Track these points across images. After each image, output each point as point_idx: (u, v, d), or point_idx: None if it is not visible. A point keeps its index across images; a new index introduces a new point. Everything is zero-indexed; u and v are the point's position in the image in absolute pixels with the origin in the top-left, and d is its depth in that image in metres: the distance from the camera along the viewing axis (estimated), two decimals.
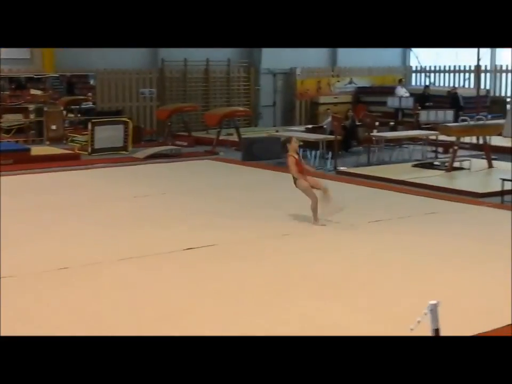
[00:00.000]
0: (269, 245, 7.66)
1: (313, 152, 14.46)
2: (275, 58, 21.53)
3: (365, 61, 23.30)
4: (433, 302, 3.78)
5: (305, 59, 22.34)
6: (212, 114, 18.24)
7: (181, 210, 9.56)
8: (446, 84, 23.39)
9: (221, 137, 16.99)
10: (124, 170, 13.42)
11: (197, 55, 19.45)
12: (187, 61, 20.03)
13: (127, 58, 18.90)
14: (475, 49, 18.89)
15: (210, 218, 8.92)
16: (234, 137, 17.10)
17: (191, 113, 19.58)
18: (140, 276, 6.49)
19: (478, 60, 19.10)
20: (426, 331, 3.66)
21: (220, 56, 20.25)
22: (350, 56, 22.97)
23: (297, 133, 16.72)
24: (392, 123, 16.89)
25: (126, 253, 7.21)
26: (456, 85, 22.19)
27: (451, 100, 19.37)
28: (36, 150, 14.74)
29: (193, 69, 20.63)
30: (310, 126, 17.75)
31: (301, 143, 15.18)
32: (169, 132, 17.97)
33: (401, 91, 20.14)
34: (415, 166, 13.52)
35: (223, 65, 21.11)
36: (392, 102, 19.01)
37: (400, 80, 21.49)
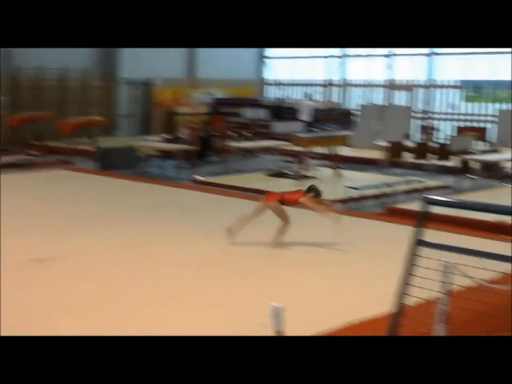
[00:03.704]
0: (123, 255, 7.69)
1: (170, 162, 14.62)
2: (133, 67, 21.48)
3: (222, 73, 23.78)
4: (277, 304, 4.04)
5: (163, 69, 22.46)
6: (67, 123, 17.92)
7: (32, 220, 9.36)
8: (298, 97, 24.38)
9: (77, 147, 16.72)
10: None
11: (53, 63, 19.03)
12: (42, 68, 19.53)
13: None
14: (327, 64, 19.91)
15: (60, 230, 8.83)
16: (91, 147, 16.89)
17: (45, 122, 19.09)
18: None
19: (328, 74, 20.13)
20: (270, 333, 3.91)
21: (76, 64, 19.92)
22: (207, 68, 23.36)
23: (155, 142, 16.83)
24: (247, 134, 17.38)
25: None
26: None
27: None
28: None
29: (48, 77, 20.14)
30: (167, 136, 17.88)
31: (158, 153, 15.39)
32: (22, 141, 17.42)
33: (307, 104, 20.71)
34: (269, 175, 14.05)
35: (81, 73, 20.77)
36: (248, 114, 19.54)
37: (307, 95, 22.14)
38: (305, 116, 20.18)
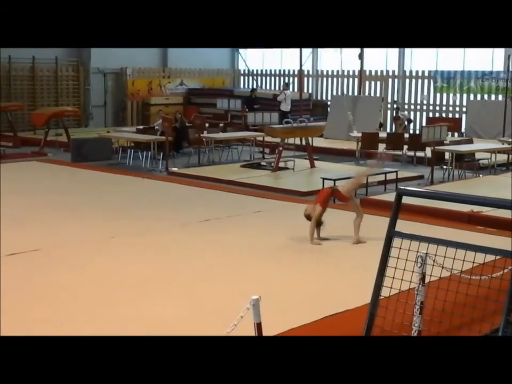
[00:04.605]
0: (96, 248, 7.66)
1: (144, 153, 14.55)
2: (105, 57, 21.29)
3: (195, 63, 23.70)
4: (255, 297, 4.06)
5: (136, 59, 22.32)
6: (39, 114, 17.73)
7: (3, 213, 9.27)
8: (272, 87, 24.41)
9: (49, 138, 16.57)
10: None
11: (23, 53, 18.76)
12: (12, 58, 19.28)
13: None
14: (298, 54, 19.92)
15: (32, 222, 8.77)
16: (63, 138, 16.74)
17: (16, 113, 18.88)
18: None
19: (301, 64, 20.15)
20: (250, 325, 3.93)
21: (47, 54, 19.68)
22: (180, 58, 23.25)
23: (128, 133, 16.73)
24: (221, 124, 17.35)
25: None
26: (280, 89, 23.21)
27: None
28: None
29: (18, 67, 19.90)
30: (141, 127, 17.78)
31: (132, 144, 15.30)
32: None
33: (283, 95, 20.67)
34: (243, 166, 14.05)
35: (51, 63, 20.54)
36: (221, 104, 19.50)
37: (286, 84, 22.06)
38: (285, 106, 20.27)
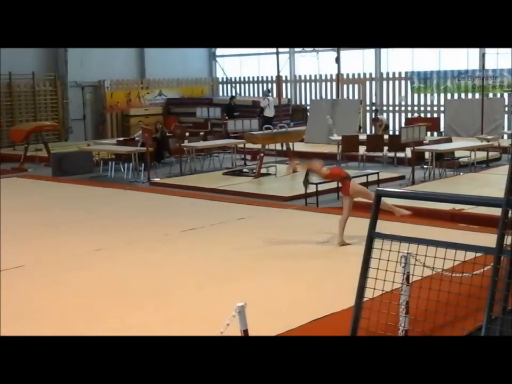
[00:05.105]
0: (81, 262, 7.63)
1: (126, 165, 14.52)
2: (82, 70, 21.27)
3: (173, 73, 23.71)
4: (241, 304, 4.07)
5: (114, 71, 22.30)
6: (17, 129, 17.65)
7: None
8: (250, 94, 24.48)
9: (29, 153, 16.48)
10: None
11: None
12: None
13: None
14: (275, 60, 20.02)
15: (19, 238, 8.73)
16: (43, 153, 16.66)
17: None
18: None
19: (278, 70, 20.24)
20: (236, 333, 3.94)
21: (23, 69, 19.62)
22: (158, 68, 23.26)
23: (109, 145, 16.69)
24: (202, 133, 17.36)
25: None
26: (260, 95, 23.33)
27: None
28: None
29: None
30: (121, 139, 17.74)
31: (113, 156, 15.27)
32: None
33: (266, 101, 20.77)
34: (226, 173, 14.06)
35: (28, 78, 20.46)
36: (201, 113, 19.52)
37: (268, 91, 22.19)
38: (269, 111, 20.43)
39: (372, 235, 4.06)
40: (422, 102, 21.15)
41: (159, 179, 13.77)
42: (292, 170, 8.32)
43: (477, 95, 19.65)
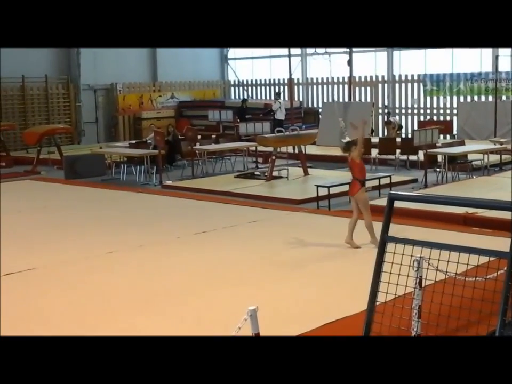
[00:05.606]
0: (93, 264, 7.65)
1: (138, 168, 14.56)
2: (94, 73, 21.35)
3: (185, 76, 23.77)
4: (252, 307, 4.06)
5: (126, 74, 22.38)
6: (31, 132, 17.73)
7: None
8: (262, 97, 24.48)
9: (42, 156, 16.57)
10: None
11: (12, 71, 18.83)
12: (1, 78, 19.30)
13: None
14: (287, 63, 20.00)
15: (31, 241, 8.76)
16: (56, 156, 16.75)
17: (8, 132, 18.88)
18: None
19: (290, 73, 20.24)
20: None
21: (36, 72, 19.73)
22: (170, 71, 23.32)
23: (121, 148, 16.74)
24: (213, 136, 17.38)
25: None
26: (271, 98, 23.30)
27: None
28: None
29: (8, 87, 19.90)
30: (133, 142, 17.80)
31: (125, 159, 15.31)
32: None
33: (278, 104, 20.78)
34: (237, 176, 14.07)
35: (41, 81, 20.57)
36: (213, 115, 19.54)
37: (278, 94, 22.18)
38: (281, 114, 20.43)
39: (385, 239, 4.04)
40: (435, 105, 21.06)
41: (171, 182, 13.79)
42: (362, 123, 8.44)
43: (490, 98, 19.54)
